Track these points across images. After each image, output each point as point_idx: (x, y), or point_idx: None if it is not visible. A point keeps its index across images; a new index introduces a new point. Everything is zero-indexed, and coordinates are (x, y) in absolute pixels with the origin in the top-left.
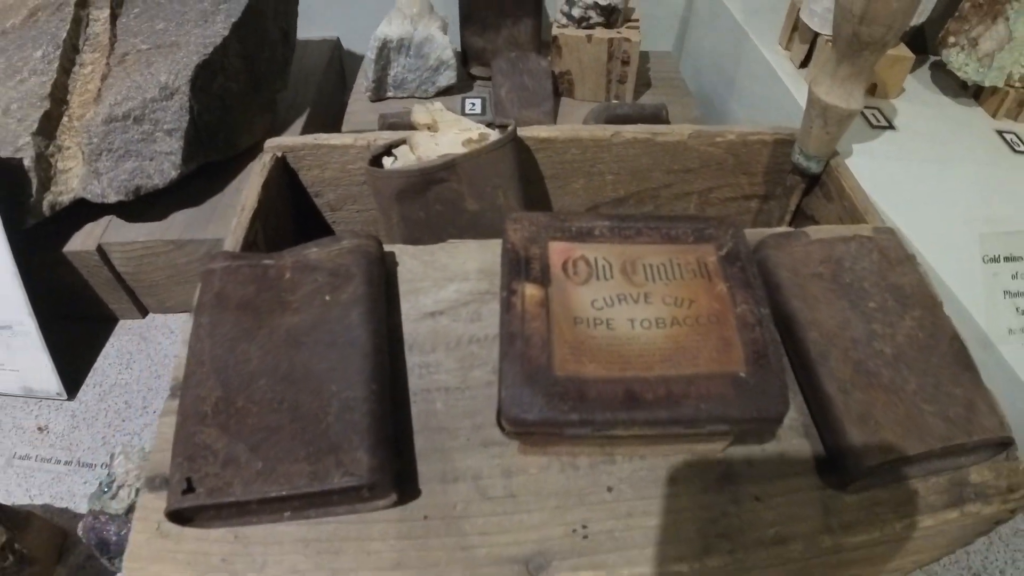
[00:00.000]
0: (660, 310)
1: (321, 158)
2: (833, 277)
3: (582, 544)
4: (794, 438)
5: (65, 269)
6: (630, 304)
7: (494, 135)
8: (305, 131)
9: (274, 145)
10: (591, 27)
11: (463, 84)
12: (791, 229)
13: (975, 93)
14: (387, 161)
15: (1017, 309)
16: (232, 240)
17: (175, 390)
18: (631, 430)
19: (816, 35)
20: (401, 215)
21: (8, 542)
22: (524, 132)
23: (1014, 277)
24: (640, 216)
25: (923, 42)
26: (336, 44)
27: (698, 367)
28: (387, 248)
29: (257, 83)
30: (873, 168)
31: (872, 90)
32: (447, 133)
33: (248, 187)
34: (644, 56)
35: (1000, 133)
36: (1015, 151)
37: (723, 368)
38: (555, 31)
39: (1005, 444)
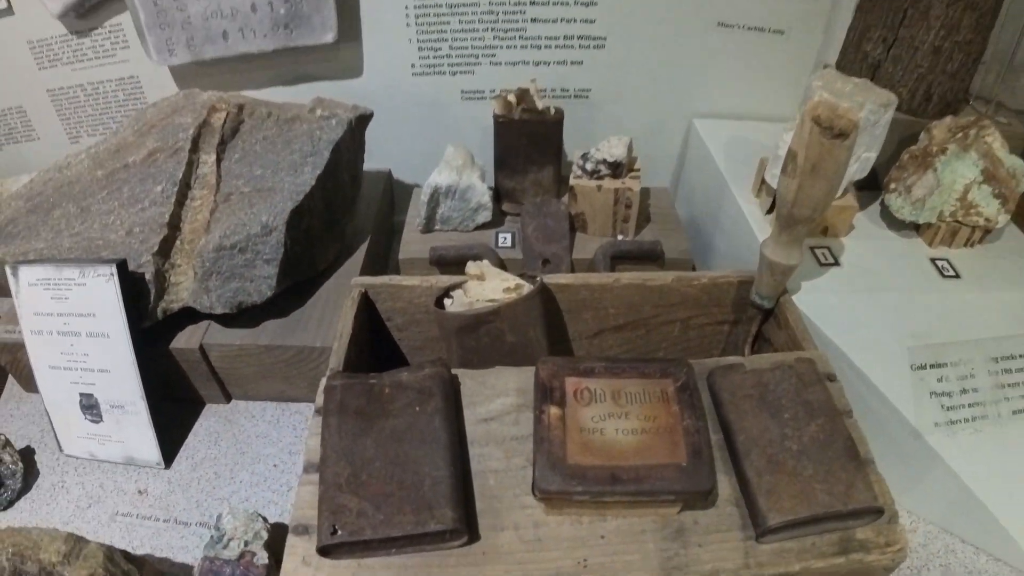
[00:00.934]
0: (635, 423)
1: (393, 294)
2: (760, 397)
3: (584, 572)
4: (728, 506)
5: (169, 362)
6: (616, 419)
7: (527, 286)
8: (367, 255)
9: (359, 283)
10: (601, 178)
11: (496, 220)
12: (734, 361)
13: (916, 226)
14: (447, 301)
15: (943, 406)
16: (336, 360)
17: (309, 468)
18: (615, 498)
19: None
20: (459, 344)
21: None
22: (548, 279)
23: (939, 380)
24: (626, 359)
25: (876, 182)
26: (388, 175)
27: (657, 459)
28: (454, 372)
29: (332, 219)
30: (819, 300)
31: (824, 231)
32: (492, 282)
33: (342, 318)
34: (645, 192)
35: (933, 261)
36: (944, 276)
37: (673, 460)
38: (572, 181)
39: (878, 511)
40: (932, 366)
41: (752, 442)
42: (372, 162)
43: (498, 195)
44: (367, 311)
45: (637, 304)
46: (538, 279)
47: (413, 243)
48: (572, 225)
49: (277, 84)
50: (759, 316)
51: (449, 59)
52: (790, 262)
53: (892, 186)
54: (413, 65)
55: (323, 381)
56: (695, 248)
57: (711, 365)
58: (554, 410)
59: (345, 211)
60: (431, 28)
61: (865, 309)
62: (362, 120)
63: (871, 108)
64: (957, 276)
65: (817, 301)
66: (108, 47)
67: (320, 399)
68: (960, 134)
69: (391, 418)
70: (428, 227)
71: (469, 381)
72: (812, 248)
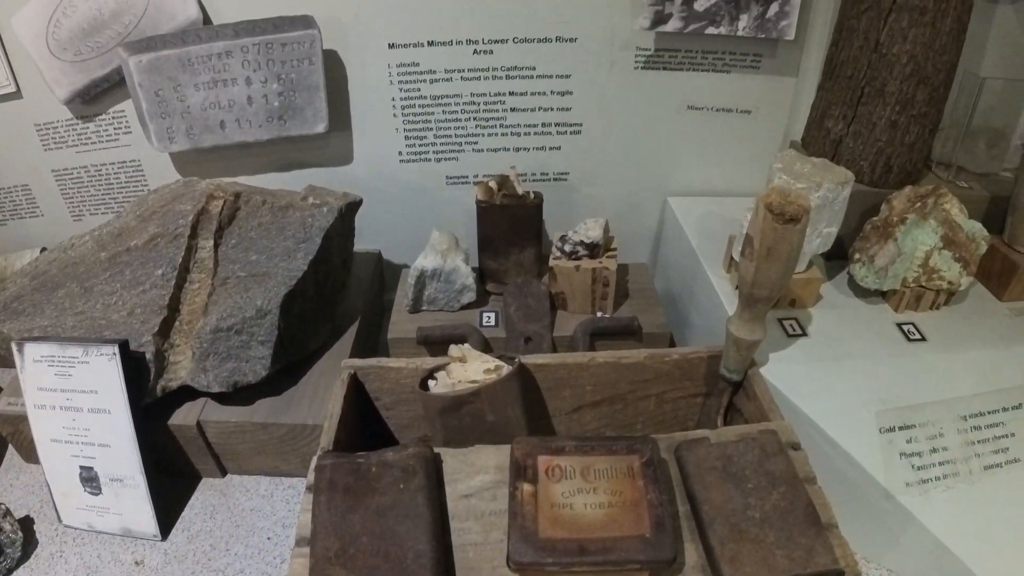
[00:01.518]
0: (602, 498)
1: (381, 375)
2: (724, 468)
3: None
4: (694, 573)
5: (168, 437)
6: (585, 494)
7: (505, 367)
8: (358, 334)
9: (348, 365)
10: (579, 259)
11: (481, 300)
12: (700, 435)
13: (882, 293)
14: (431, 383)
15: (913, 466)
16: (326, 439)
17: (301, 542)
18: (583, 568)
19: None
20: (442, 424)
21: None
22: (526, 360)
23: (909, 441)
24: (595, 438)
25: (843, 252)
26: (378, 257)
27: (623, 531)
28: (436, 450)
29: (324, 301)
30: (788, 370)
31: (792, 303)
32: (473, 363)
33: (332, 399)
34: (623, 269)
35: (899, 326)
36: (910, 340)
37: (637, 531)
38: (551, 263)
39: (839, 574)
40: (901, 428)
41: (716, 512)
42: (363, 243)
43: (482, 276)
44: (356, 391)
45: (613, 381)
46: (516, 360)
47: (402, 323)
48: (553, 304)
49: (272, 170)
50: (729, 388)
51: (434, 147)
52: (754, 337)
53: (856, 256)
54: (400, 153)
55: (314, 460)
56: (673, 322)
57: (679, 439)
58: (527, 487)
59: (336, 293)
60: (416, 119)
61: (833, 376)
62: (352, 207)
63: (828, 187)
64: (923, 339)
65: (785, 371)
66: (112, 132)
67: (311, 477)
68: (919, 203)
69: (377, 495)
70: (416, 308)
71: (451, 459)
72: (780, 320)
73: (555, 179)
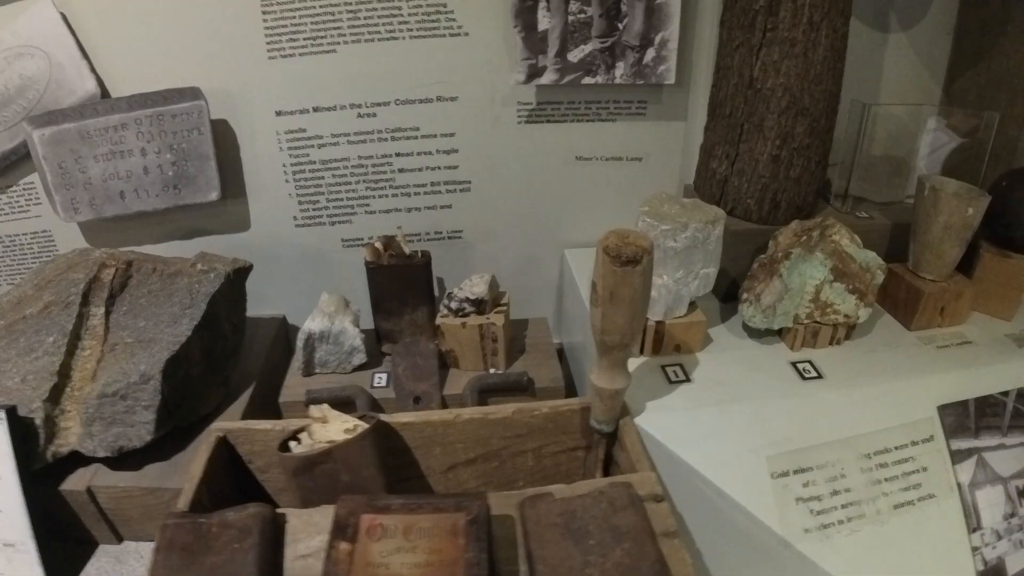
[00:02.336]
0: (421, 557)
1: (251, 437)
2: (565, 524)
3: None
4: None
5: (60, 503)
6: (403, 553)
7: (363, 427)
8: (252, 399)
9: (216, 428)
10: (466, 315)
11: (374, 360)
12: (545, 490)
13: (778, 331)
14: (293, 444)
15: (812, 511)
16: (184, 500)
17: None
18: None
19: None
20: (298, 485)
21: None
22: (389, 419)
23: (806, 485)
24: (423, 496)
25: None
26: (283, 322)
27: None
28: (281, 510)
29: (213, 366)
30: (669, 419)
31: (677, 348)
32: (334, 424)
33: (195, 460)
34: (520, 324)
35: (794, 364)
36: (805, 378)
37: None
38: (438, 320)
39: None
40: (796, 472)
41: (551, 571)
42: (268, 308)
43: (379, 336)
44: (228, 454)
45: (484, 437)
46: (373, 422)
47: (295, 387)
48: (445, 362)
49: (174, 238)
50: (602, 440)
51: (327, 211)
52: (615, 386)
53: (744, 296)
54: (295, 217)
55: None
56: (577, 375)
57: (524, 495)
58: (344, 546)
59: (228, 358)
60: (308, 183)
61: (717, 422)
62: (241, 272)
63: (696, 226)
64: (820, 376)
65: (665, 420)
66: (23, 203)
67: (156, 537)
68: (804, 236)
69: (212, 554)
70: (308, 370)
71: (295, 519)
72: (663, 367)
73: (450, 237)
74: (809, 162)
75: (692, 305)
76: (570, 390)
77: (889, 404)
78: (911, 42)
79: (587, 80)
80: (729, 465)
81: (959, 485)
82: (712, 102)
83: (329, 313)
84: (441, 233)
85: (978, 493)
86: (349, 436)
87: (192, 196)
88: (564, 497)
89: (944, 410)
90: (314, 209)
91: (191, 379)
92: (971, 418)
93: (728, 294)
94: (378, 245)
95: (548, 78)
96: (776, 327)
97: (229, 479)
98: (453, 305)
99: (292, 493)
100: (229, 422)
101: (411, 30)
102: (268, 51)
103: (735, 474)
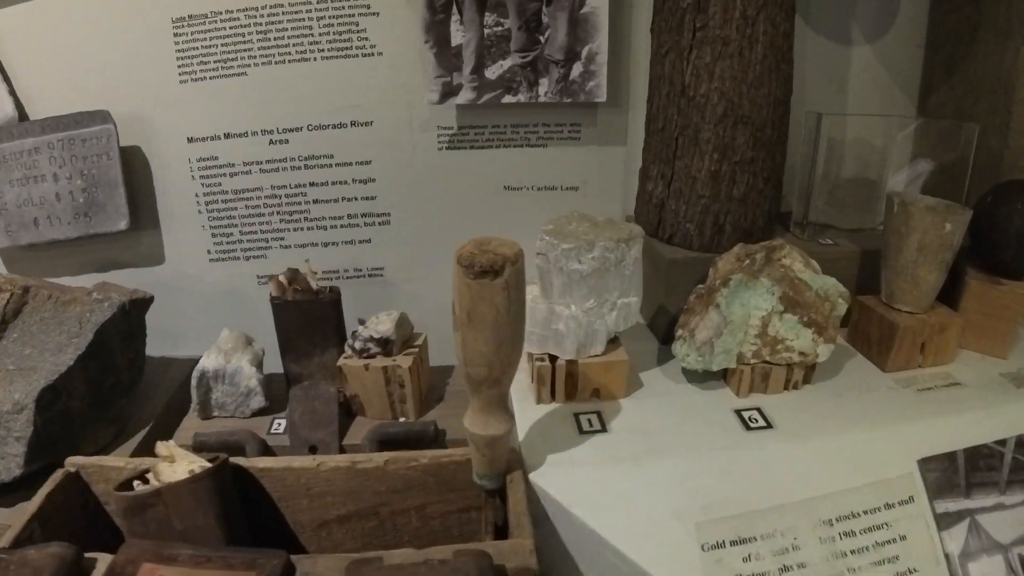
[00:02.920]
0: None
1: (104, 474)
2: None
3: None
4: None
5: None
6: None
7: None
8: (145, 440)
9: (70, 462)
10: (371, 356)
11: (279, 404)
12: (373, 555)
13: (723, 374)
14: (138, 483)
15: None
16: (9, 535)
17: None
18: None
19: None
20: (128, 529)
21: None
22: (247, 463)
23: (747, 559)
24: (218, 548)
25: None
26: (194, 362)
27: None
28: (91, 555)
29: (102, 401)
30: (573, 476)
31: (595, 393)
32: (181, 463)
33: (37, 495)
34: (447, 370)
35: (738, 412)
36: (750, 428)
37: None
38: (340, 362)
39: None
40: (734, 543)
41: None
42: (182, 348)
43: (288, 380)
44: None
45: (355, 491)
46: (216, 463)
47: (189, 429)
48: (349, 408)
49: (90, 271)
50: (493, 501)
51: (241, 244)
52: (489, 432)
53: (678, 333)
54: (209, 251)
55: None
56: None
57: (350, 560)
58: None
59: (121, 395)
60: (221, 215)
61: (636, 481)
62: (139, 304)
63: (606, 245)
64: (768, 426)
65: (569, 477)
66: None
67: None
68: (747, 261)
69: None
70: (204, 412)
71: (102, 564)
72: (577, 415)
73: (370, 275)
74: (755, 179)
75: (614, 342)
76: None
77: (857, 458)
78: (878, 56)
79: (508, 99)
80: (647, 534)
81: (947, 556)
82: (647, 118)
83: (226, 351)
84: (361, 270)
85: (971, 565)
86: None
87: (102, 224)
88: (395, 564)
89: (926, 464)
90: (227, 242)
91: (72, 413)
92: (960, 473)
93: (668, 335)
94: (282, 279)
95: (464, 97)
96: (715, 367)
97: (87, 520)
98: (357, 345)
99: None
100: (83, 457)
101: (322, 51)
102: (179, 74)
103: (655, 545)
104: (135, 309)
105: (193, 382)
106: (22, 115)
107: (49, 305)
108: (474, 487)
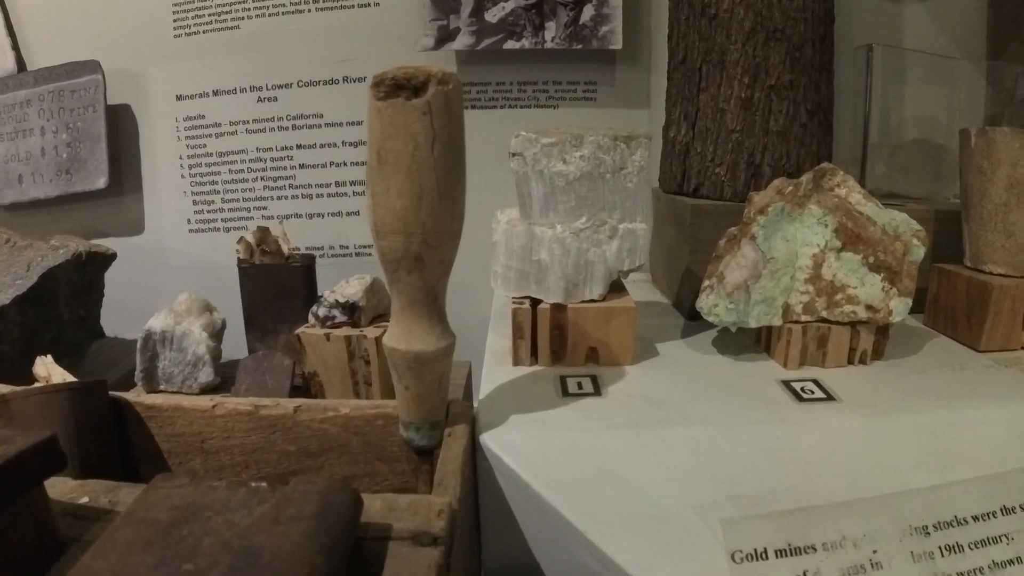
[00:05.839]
0: None
1: None
2: (168, 529)
3: None
4: None
5: None
6: None
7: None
8: None
9: None
10: (337, 326)
11: (232, 385)
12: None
13: (765, 343)
14: None
15: None
16: None
17: None
18: None
19: None
20: None
21: None
22: (132, 397)
23: None
24: None
25: None
26: None
27: None
28: None
29: (37, 352)
30: (550, 440)
31: (592, 354)
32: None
33: None
34: None
35: (787, 383)
36: (802, 399)
37: None
38: (300, 330)
39: None
40: (781, 553)
41: None
42: None
43: None
44: None
45: (261, 448)
46: (88, 381)
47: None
48: (307, 388)
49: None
50: (423, 464)
51: (222, 214)
52: (411, 346)
53: (705, 284)
54: (189, 221)
55: None
56: None
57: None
58: None
59: (67, 354)
60: (204, 179)
61: (637, 456)
62: (98, 258)
63: (599, 142)
64: (829, 397)
65: (541, 441)
66: None
67: None
68: (790, 188)
69: None
70: (149, 383)
71: None
72: (563, 377)
73: (357, 254)
74: (796, 109)
75: (618, 289)
76: None
77: (957, 444)
78: (934, 14)
79: (511, 44)
80: (649, 532)
81: None
82: (669, 55)
83: (179, 312)
84: (347, 248)
85: None
86: None
87: (82, 183)
88: (208, 486)
89: None
90: (208, 211)
91: (2, 359)
92: None
93: (695, 310)
94: (250, 238)
95: (462, 42)
96: (752, 322)
97: None
98: (321, 312)
99: None
100: None
101: (317, 2)
102: (174, 27)
103: (660, 549)
104: (92, 263)
105: (138, 344)
106: (21, 68)
107: (6, 249)
108: (408, 454)
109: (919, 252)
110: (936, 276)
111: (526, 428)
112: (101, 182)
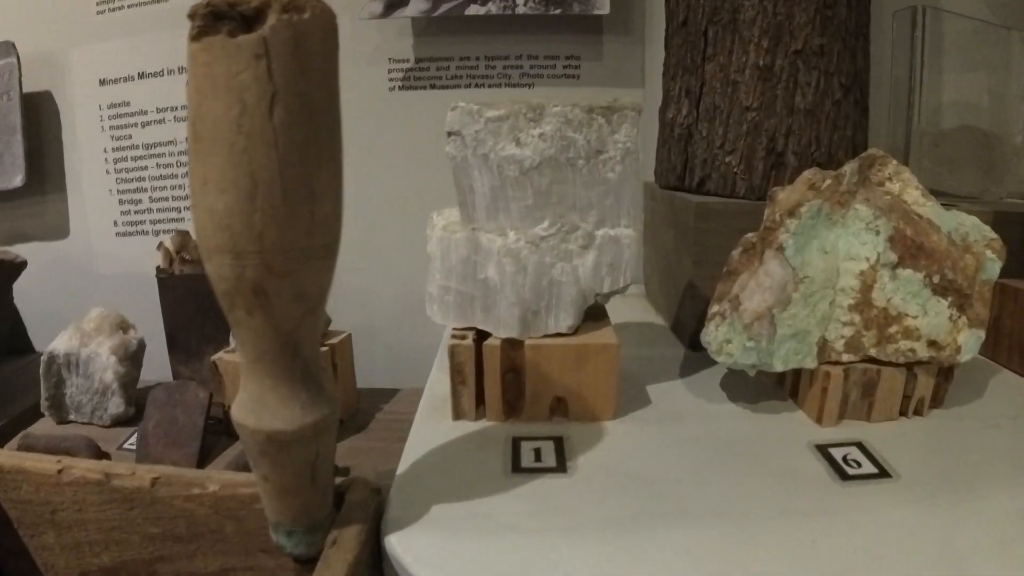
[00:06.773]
0: None
1: None
2: None
3: None
4: None
5: None
6: None
7: None
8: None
9: None
10: None
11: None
12: None
13: (792, 388)
14: None
15: None
16: None
17: None
18: None
19: None
20: None
21: None
22: None
23: None
24: None
25: None
26: None
27: None
28: None
29: None
30: (492, 546)
31: (563, 410)
32: None
33: None
34: (386, 393)
35: (822, 448)
36: (846, 477)
37: None
38: (216, 356)
39: None
40: None
41: None
42: None
43: None
44: None
45: (120, 527)
46: None
47: (37, 430)
48: (226, 424)
49: None
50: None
51: (151, 215)
52: (261, 423)
53: (713, 309)
54: (116, 223)
55: None
56: None
57: None
58: None
59: None
60: (130, 175)
61: (617, 570)
62: (4, 267)
63: (566, 115)
64: (883, 473)
65: (479, 548)
66: None
67: None
68: (828, 182)
69: None
70: (60, 414)
71: None
72: (516, 439)
73: None
74: (828, 82)
75: (596, 317)
76: None
77: None
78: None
79: (474, 9)
80: None
81: None
82: (667, 17)
83: (86, 331)
84: None
85: None
86: None
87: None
88: None
89: None
90: (136, 212)
91: None
92: None
93: (698, 335)
94: (169, 244)
95: (416, 7)
96: (778, 364)
97: None
98: None
99: None
100: None
101: None
102: (97, 3)
103: None
104: (3, 272)
105: (41, 368)
106: None
107: None
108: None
109: (994, 268)
110: (999, 295)
111: (454, 528)
112: (17, 180)
